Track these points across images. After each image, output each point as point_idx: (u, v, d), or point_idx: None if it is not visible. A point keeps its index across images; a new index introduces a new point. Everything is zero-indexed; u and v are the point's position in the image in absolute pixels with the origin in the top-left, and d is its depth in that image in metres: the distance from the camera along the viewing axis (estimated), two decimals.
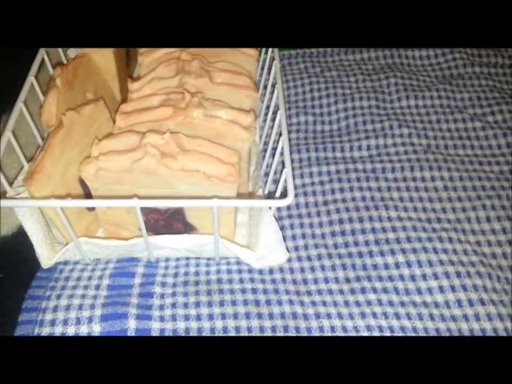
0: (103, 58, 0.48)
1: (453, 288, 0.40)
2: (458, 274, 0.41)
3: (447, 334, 0.38)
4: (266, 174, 0.48)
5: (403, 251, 0.43)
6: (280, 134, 0.41)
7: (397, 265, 0.42)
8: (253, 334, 0.37)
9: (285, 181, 0.37)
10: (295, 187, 0.48)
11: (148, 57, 0.47)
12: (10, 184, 0.41)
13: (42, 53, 0.46)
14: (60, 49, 0.50)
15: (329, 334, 0.38)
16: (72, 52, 0.54)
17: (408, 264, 0.42)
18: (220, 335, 0.37)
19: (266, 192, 0.44)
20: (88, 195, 0.40)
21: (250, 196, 0.46)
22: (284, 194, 0.37)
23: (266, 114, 0.52)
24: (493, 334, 0.38)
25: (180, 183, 0.37)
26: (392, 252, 0.43)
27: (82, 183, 0.40)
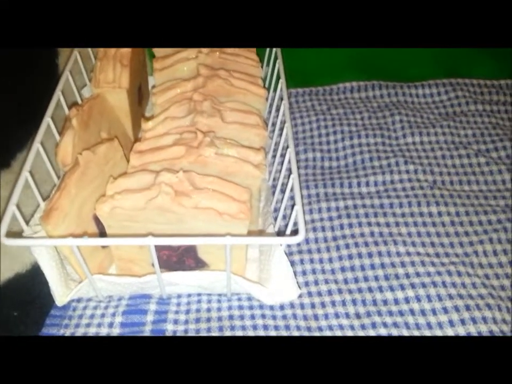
0: (117, 97, 0.50)
1: (462, 322, 0.41)
2: (467, 308, 0.41)
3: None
4: (276, 210, 0.49)
5: (412, 286, 0.43)
6: (290, 171, 0.42)
7: (407, 300, 0.42)
8: None
9: (296, 218, 0.38)
10: (305, 223, 0.48)
11: (161, 97, 0.48)
12: (27, 222, 0.41)
13: (58, 93, 0.47)
14: (74, 89, 0.51)
15: None
16: (86, 91, 0.55)
17: (418, 299, 0.42)
18: None
19: (276, 228, 0.44)
20: (102, 231, 0.41)
21: (261, 231, 0.46)
22: (294, 231, 0.38)
23: (275, 150, 0.53)
24: None
25: (193, 220, 0.38)
26: (402, 287, 0.43)
27: (96, 219, 0.41)
